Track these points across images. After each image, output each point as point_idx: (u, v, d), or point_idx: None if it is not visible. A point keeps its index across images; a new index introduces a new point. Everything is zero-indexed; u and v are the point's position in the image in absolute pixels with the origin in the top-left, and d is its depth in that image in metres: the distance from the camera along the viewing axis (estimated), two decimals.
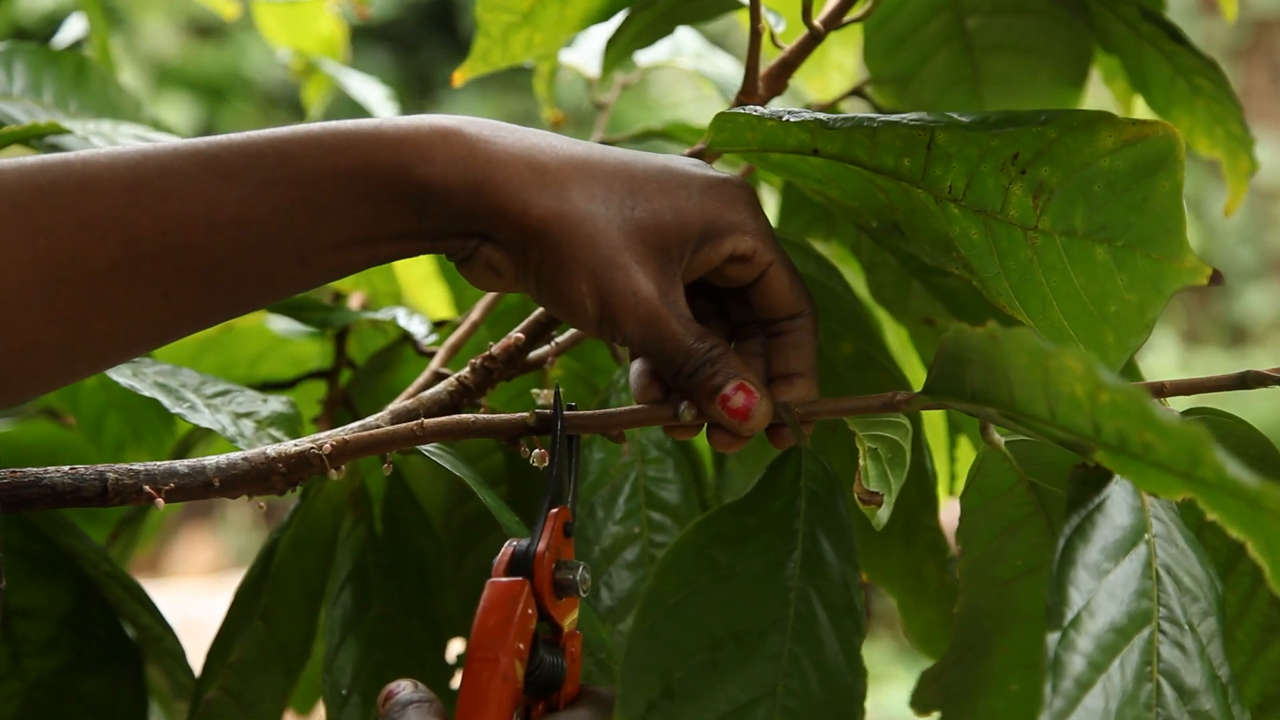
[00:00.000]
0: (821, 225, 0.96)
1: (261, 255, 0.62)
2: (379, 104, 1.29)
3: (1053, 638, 0.54)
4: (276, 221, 0.62)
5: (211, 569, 4.04)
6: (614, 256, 0.63)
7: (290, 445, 0.71)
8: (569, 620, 0.65)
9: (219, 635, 0.82)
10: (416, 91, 4.85)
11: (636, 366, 0.68)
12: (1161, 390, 0.64)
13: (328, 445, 0.71)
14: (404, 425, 0.71)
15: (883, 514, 0.66)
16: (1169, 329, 4.81)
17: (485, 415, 0.71)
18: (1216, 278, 0.64)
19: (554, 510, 0.65)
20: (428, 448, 0.72)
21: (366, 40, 4.87)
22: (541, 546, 0.64)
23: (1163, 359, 4.62)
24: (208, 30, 4.66)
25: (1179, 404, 0.66)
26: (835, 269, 0.83)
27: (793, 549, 0.62)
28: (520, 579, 0.63)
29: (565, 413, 0.67)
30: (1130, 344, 0.66)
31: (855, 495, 0.66)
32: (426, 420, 0.71)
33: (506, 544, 0.64)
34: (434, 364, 0.83)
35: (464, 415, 0.71)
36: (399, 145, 0.62)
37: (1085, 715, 0.53)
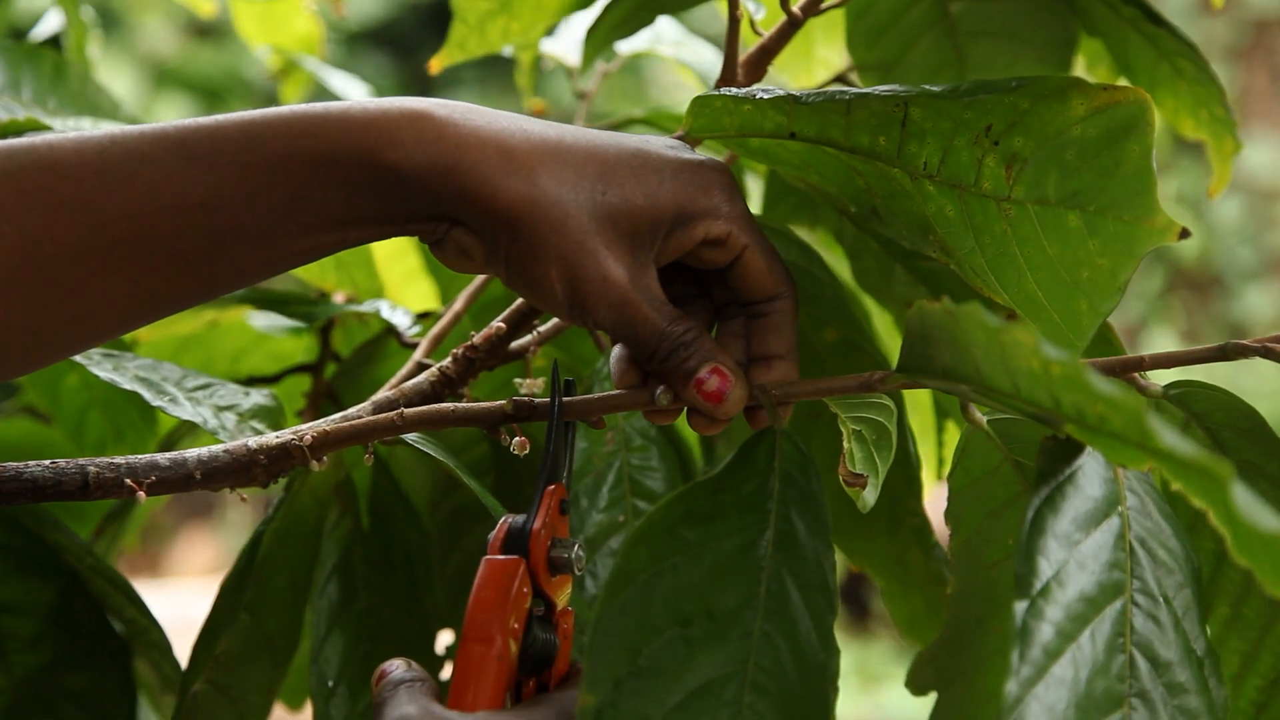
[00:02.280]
0: (806, 212, 0.96)
1: (230, 239, 0.62)
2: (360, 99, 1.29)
3: (1020, 606, 0.54)
4: (244, 205, 0.62)
5: (211, 569, 4.05)
6: (583, 241, 0.63)
7: (272, 437, 0.72)
8: (563, 597, 0.64)
9: (205, 628, 0.82)
10: (415, 93, 4.85)
11: (615, 351, 0.68)
12: (1141, 364, 0.64)
13: (309, 436, 0.71)
14: (384, 415, 0.71)
15: (868, 495, 0.66)
16: (1169, 329, 4.80)
17: (465, 404, 0.71)
18: (1185, 234, 0.64)
19: (550, 487, 0.65)
20: (412, 437, 0.72)
21: (366, 42, 4.87)
22: (537, 524, 0.63)
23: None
24: (206, 31, 4.67)
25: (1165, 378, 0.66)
26: (818, 255, 0.82)
27: (765, 528, 0.62)
28: (516, 557, 0.63)
29: (562, 396, 0.67)
30: (1103, 309, 0.65)
31: (840, 478, 0.66)
32: (406, 410, 0.71)
33: (502, 520, 0.64)
34: (417, 355, 0.83)
35: (444, 405, 0.72)
36: (367, 128, 0.62)
37: (1053, 684, 0.53)
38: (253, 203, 0.62)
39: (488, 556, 0.63)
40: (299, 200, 0.62)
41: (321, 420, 0.74)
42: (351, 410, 0.76)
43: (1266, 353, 0.62)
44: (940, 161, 0.66)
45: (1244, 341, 0.63)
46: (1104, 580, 0.56)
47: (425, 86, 4.83)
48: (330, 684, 0.79)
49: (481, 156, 0.63)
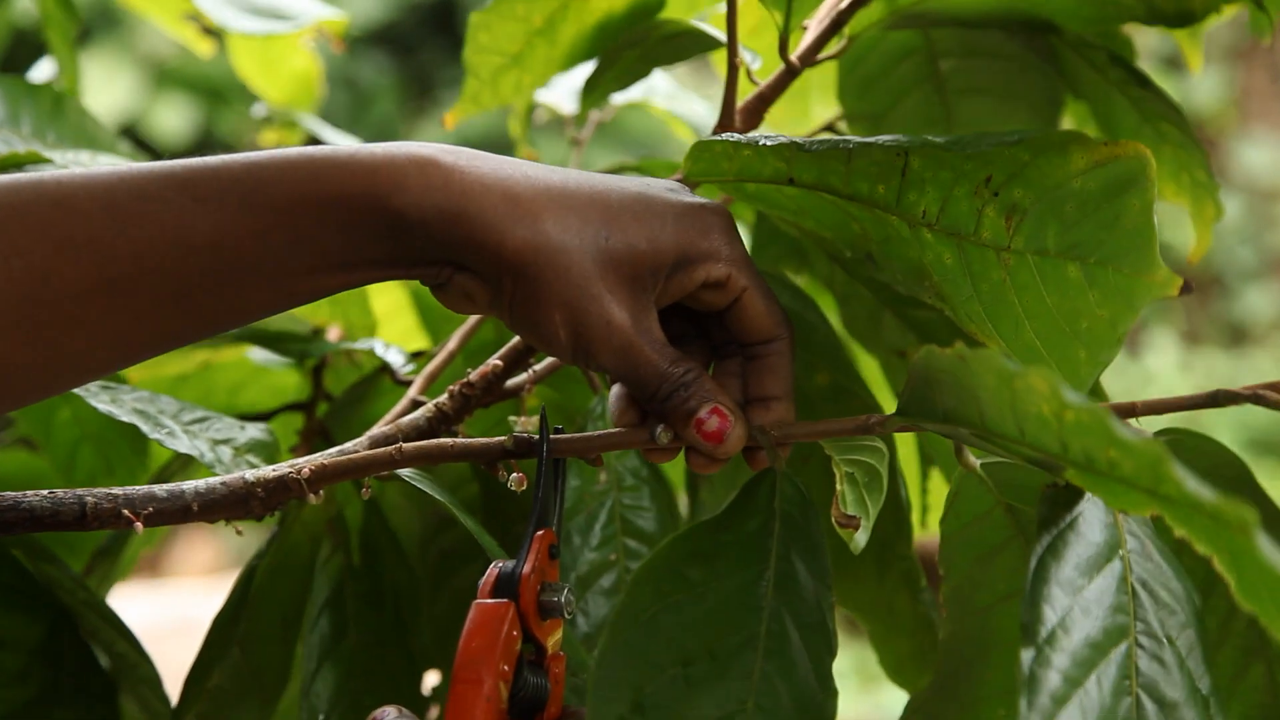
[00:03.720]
0: (793, 258, 0.97)
1: (235, 279, 0.63)
2: None
3: (1028, 654, 0.55)
4: (250, 246, 0.62)
5: (211, 569, 4.02)
6: (587, 287, 0.64)
7: (269, 470, 0.72)
8: (553, 641, 0.65)
9: (196, 662, 0.82)
10: (416, 93, 4.86)
11: (615, 390, 0.69)
12: (1133, 410, 0.65)
13: (306, 469, 0.72)
14: (382, 450, 0.71)
15: (860, 538, 0.67)
16: (1169, 329, 4.83)
17: (463, 440, 0.71)
18: (1186, 288, 0.65)
19: (539, 532, 0.65)
20: (406, 472, 0.72)
21: (366, 42, 4.88)
22: (527, 569, 0.64)
23: (1163, 359, 4.64)
24: (207, 32, 4.67)
25: (1157, 424, 0.67)
26: (811, 300, 0.84)
27: (766, 568, 0.63)
28: (506, 600, 0.63)
29: (549, 436, 0.68)
30: (1101, 359, 0.66)
31: (833, 520, 0.67)
32: (405, 444, 0.71)
33: (492, 565, 0.65)
34: (411, 392, 0.84)
35: (442, 440, 0.72)
36: (374, 174, 0.63)
37: None
38: (258, 244, 0.62)
39: (478, 600, 0.64)
40: (304, 242, 0.63)
41: (318, 454, 0.75)
42: (348, 445, 0.76)
43: (1257, 400, 0.64)
44: (939, 210, 0.67)
45: (1235, 390, 0.64)
46: (1109, 624, 0.57)
47: (426, 86, 4.83)
48: (321, 718, 0.79)
49: (487, 203, 0.63)
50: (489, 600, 0.63)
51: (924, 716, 0.70)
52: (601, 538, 0.82)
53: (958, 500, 0.68)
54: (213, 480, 0.72)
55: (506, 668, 0.62)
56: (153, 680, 0.83)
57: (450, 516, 0.80)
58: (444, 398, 0.78)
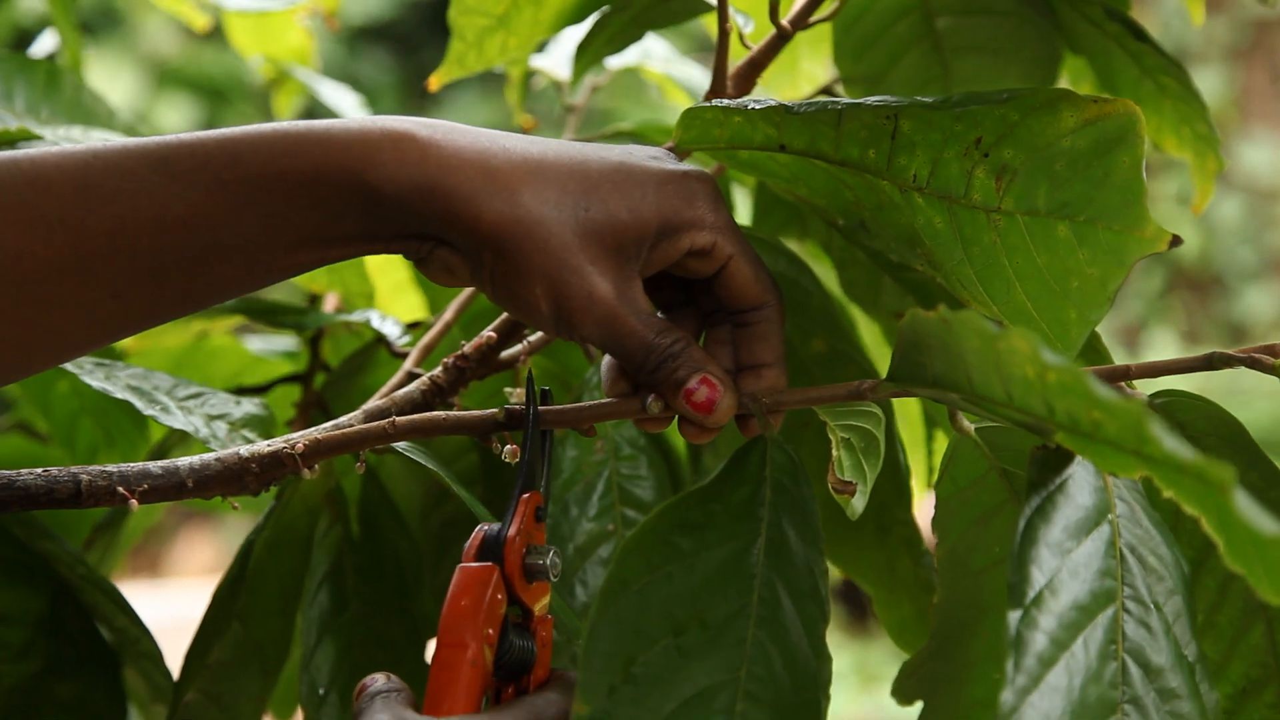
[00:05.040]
0: (795, 225, 0.97)
1: (210, 256, 0.62)
2: (351, 110, 1.30)
3: (1014, 615, 0.55)
4: (225, 223, 0.62)
5: (211, 569, 4.04)
6: (568, 259, 0.63)
7: (264, 445, 0.72)
8: (540, 605, 0.65)
9: (197, 637, 0.82)
10: (417, 92, 4.85)
11: (605, 361, 0.68)
12: (1127, 373, 0.64)
13: (300, 444, 0.71)
14: (376, 423, 0.71)
15: (857, 503, 0.67)
16: (1169, 329, 4.82)
17: (457, 413, 0.71)
18: (1176, 241, 0.65)
19: (525, 495, 0.65)
20: (403, 446, 0.72)
21: (367, 39, 4.87)
22: (512, 531, 0.64)
23: (1163, 359, 4.64)
24: (208, 31, 4.67)
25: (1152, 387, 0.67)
26: (806, 266, 0.83)
27: (757, 536, 0.62)
28: (489, 564, 0.63)
29: (538, 405, 0.68)
30: (1092, 318, 0.66)
31: (830, 486, 0.66)
32: (398, 419, 0.71)
33: (477, 529, 0.65)
34: (407, 364, 0.84)
35: (436, 413, 0.72)
36: (349, 149, 0.62)
37: (1048, 692, 0.54)
38: (233, 220, 0.62)
39: (461, 564, 0.64)
40: (280, 218, 0.62)
41: (313, 429, 0.75)
42: (343, 419, 0.76)
43: (1252, 363, 0.63)
44: (930, 174, 0.67)
45: (1229, 351, 0.64)
46: (1096, 588, 0.57)
47: (426, 86, 4.84)
48: (321, 691, 0.79)
49: (465, 178, 0.63)
50: (473, 564, 0.63)
51: (918, 680, 0.70)
52: (599, 508, 0.82)
53: (953, 465, 0.68)
54: (207, 456, 0.72)
55: (491, 631, 0.62)
56: (154, 655, 0.84)
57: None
58: (438, 370, 0.78)
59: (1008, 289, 0.67)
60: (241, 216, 0.62)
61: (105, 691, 0.83)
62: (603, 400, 0.68)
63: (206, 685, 0.80)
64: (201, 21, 1.34)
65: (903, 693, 0.73)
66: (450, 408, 0.78)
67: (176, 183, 0.61)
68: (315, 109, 1.42)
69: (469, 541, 0.64)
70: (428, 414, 0.71)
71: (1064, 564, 0.56)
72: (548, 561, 0.64)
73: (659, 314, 0.67)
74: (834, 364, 0.82)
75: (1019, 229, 0.66)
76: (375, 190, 0.62)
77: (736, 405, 0.66)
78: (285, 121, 0.64)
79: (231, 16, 1.34)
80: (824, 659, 0.61)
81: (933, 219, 0.67)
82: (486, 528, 0.64)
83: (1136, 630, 0.57)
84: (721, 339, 0.68)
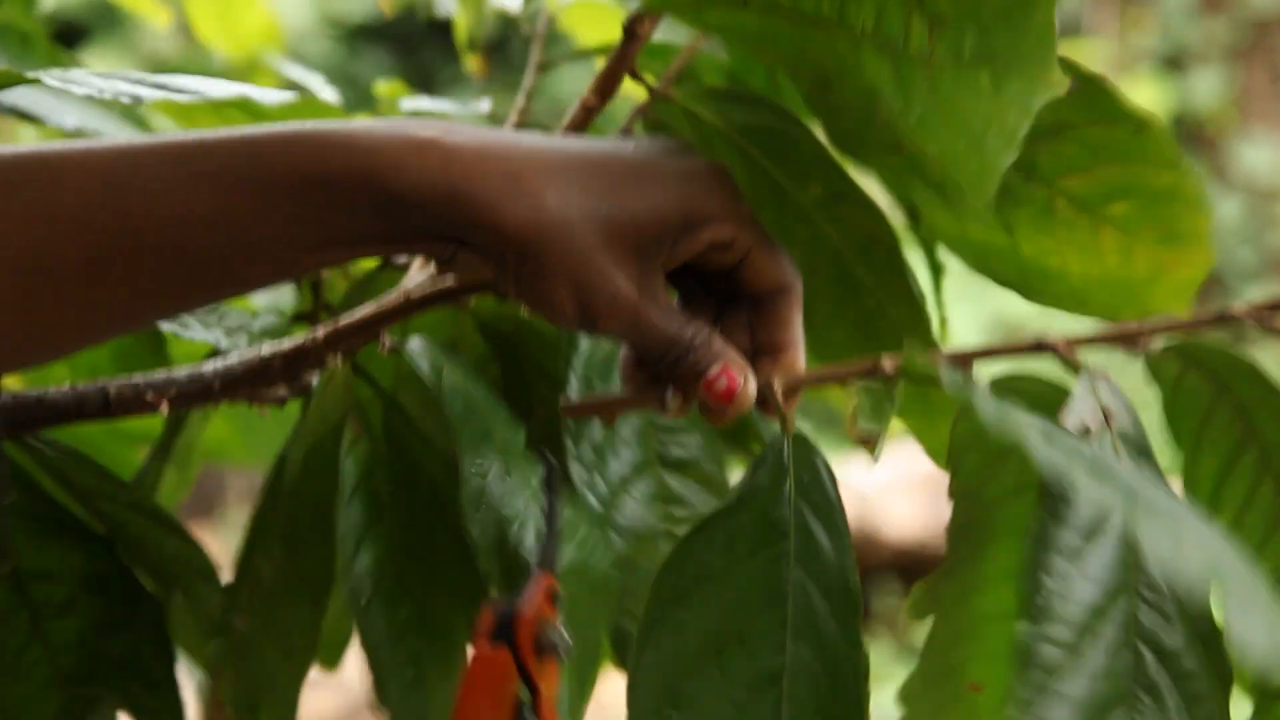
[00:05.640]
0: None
1: (234, 255, 0.63)
2: (319, 91, 1.26)
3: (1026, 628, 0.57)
4: (249, 223, 0.62)
5: None
6: (591, 260, 0.64)
7: (285, 341, 0.73)
8: (549, 684, 0.66)
9: (239, 561, 0.82)
10: (417, 91, 4.87)
11: (623, 352, 0.70)
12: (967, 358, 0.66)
13: (321, 332, 0.72)
14: (391, 298, 0.72)
15: (878, 453, 0.69)
16: None
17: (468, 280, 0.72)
18: (1075, 85, 0.66)
19: (541, 573, 0.67)
20: (417, 349, 0.73)
21: (367, 38, 4.89)
22: (528, 610, 0.66)
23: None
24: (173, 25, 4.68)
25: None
26: (793, 115, 0.81)
27: (785, 542, 0.64)
28: (503, 648, 0.65)
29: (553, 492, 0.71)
30: (1002, 163, 0.67)
31: (849, 436, 0.67)
32: (411, 289, 0.72)
33: (487, 604, 0.66)
34: (412, 271, 0.84)
35: (449, 285, 0.73)
36: (373, 154, 0.63)
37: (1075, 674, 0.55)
38: (256, 220, 0.62)
39: (475, 650, 0.65)
40: (302, 220, 0.63)
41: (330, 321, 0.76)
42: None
43: (1260, 319, 0.65)
44: (875, 24, 0.68)
45: (1052, 341, 0.66)
46: (1109, 583, 0.58)
47: (426, 84, 4.85)
48: (364, 602, 0.78)
49: (487, 183, 0.63)
50: (487, 652, 0.65)
51: (930, 597, 0.71)
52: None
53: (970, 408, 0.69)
54: (230, 358, 0.73)
55: (503, 718, 0.64)
56: (206, 571, 0.84)
57: (475, 406, 0.79)
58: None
59: (937, 138, 0.68)
60: (263, 216, 0.62)
61: (152, 645, 0.82)
62: (623, 395, 0.69)
63: (258, 607, 0.80)
64: (163, 16, 1.32)
65: (916, 610, 0.75)
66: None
67: (199, 182, 0.62)
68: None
69: (480, 618, 0.66)
70: (442, 285, 0.72)
71: (1075, 567, 0.59)
72: (559, 639, 0.66)
73: (678, 303, 0.69)
74: (833, 205, 0.81)
75: (948, 78, 0.67)
76: (398, 196, 0.63)
77: (756, 393, 0.67)
78: (311, 122, 0.64)
79: (193, 6, 1.31)
80: (859, 649, 0.64)
81: (881, 72, 0.68)
82: (497, 605, 0.66)
83: (1151, 616, 0.58)
84: (739, 322, 0.69)
